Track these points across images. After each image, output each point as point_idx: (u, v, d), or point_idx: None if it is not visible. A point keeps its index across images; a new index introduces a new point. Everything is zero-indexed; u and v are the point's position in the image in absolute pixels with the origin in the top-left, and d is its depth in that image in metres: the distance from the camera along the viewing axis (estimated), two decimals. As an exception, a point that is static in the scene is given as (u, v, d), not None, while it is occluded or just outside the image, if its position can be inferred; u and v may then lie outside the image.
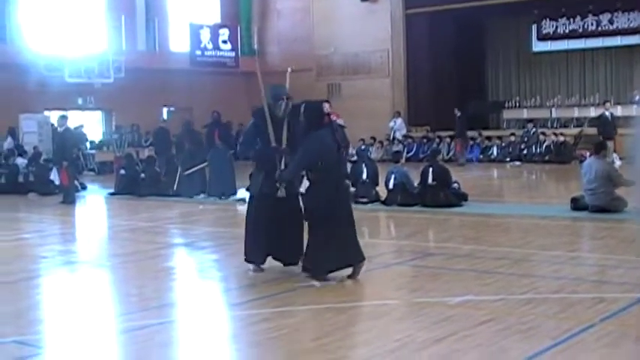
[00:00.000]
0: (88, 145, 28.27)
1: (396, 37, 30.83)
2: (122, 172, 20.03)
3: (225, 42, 31.85)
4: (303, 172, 8.77)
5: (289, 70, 10.12)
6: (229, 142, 18.69)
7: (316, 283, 8.21)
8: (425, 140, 28.94)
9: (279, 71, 34.01)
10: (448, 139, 28.42)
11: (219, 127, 18.44)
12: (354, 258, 8.41)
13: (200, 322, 7.30)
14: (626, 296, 7.44)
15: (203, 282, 9.38)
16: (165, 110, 31.66)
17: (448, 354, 5.87)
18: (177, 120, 29.85)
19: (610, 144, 22.44)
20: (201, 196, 17.95)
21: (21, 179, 21.21)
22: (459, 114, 26.36)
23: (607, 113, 23.59)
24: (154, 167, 19.54)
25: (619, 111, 27.41)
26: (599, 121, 23.86)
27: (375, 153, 27.61)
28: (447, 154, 27.03)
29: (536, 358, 5.70)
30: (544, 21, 30.43)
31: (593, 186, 13.07)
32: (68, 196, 18.06)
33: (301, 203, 8.80)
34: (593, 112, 28.53)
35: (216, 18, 33.24)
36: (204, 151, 18.26)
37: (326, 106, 8.78)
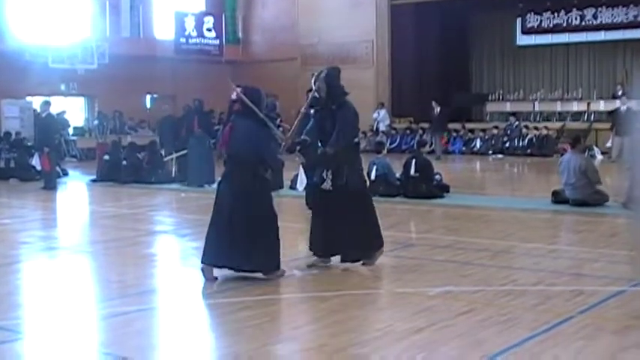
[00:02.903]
0: (70, 131, 28.13)
1: (381, 28, 30.81)
2: (106, 157, 19.99)
3: (209, 30, 31.74)
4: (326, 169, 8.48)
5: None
6: (209, 131, 18.69)
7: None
8: (408, 132, 28.99)
9: (263, 60, 33.96)
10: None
11: (200, 115, 18.39)
12: (218, 260, 8.00)
13: (180, 309, 7.30)
14: (604, 289, 7.49)
15: (184, 269, 9.36)
16: (148, 97, 31.58)
17: (427, 344, 5.90)
18: (159, 107, 29.83)
19: (621, 140, 21.45)
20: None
21: (2, 165, 21.09)
22: (438, 108, 25.87)
23: (623, 108, 22.19)
24: (136, 154, 19.51)
25: (602, 106, 27.59)
26: (613, 116, 22.84)
27: (358, 143, 27.56)
28: (430, 146, 27.05)
29: (515, 349, 5.74)
30: (528, 15, 30.52)
31: (573, 180, 13.14)
32: (49, 182, 18.00)
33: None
34: (576, 107, 28.66)
35: (201, 6, 33.12)
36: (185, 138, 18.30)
37: (233, 93, 8.17)
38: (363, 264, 8.59)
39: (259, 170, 8.02)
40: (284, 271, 8.14)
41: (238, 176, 7.95)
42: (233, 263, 7.94)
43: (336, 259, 8.59)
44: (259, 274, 7.98)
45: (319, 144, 8.56)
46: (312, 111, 8.80)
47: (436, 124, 26.36)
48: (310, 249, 8.67)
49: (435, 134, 26.45)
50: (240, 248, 7.84)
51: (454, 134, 28.35)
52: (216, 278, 7.94)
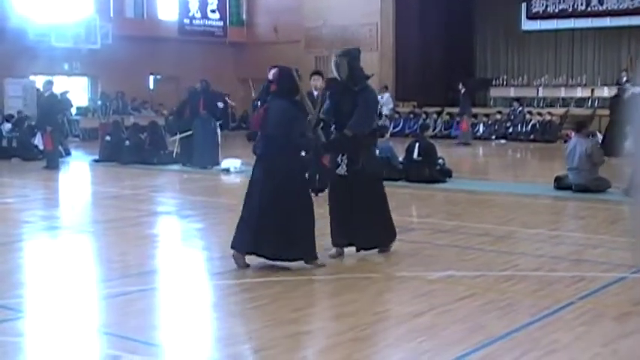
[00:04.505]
0: (73, 111, 28.11)
1: (386, 10, 30.68)
2: (107, 138, 19.99)
3: (213, 11, 31.68)
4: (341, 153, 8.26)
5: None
6: (214, 112, 18.65)
7: None
8: (411, 116, 28.92)
9: (267, 42, 33.71)
10: (435, 115, 28.45)
11: (205, 96, 18.37)
12: (252, 247, 7.71)
13: (181, 290, 7.32)
14: (605, 275, 7.50)
15: (185, 250, 9.38)
16: (151, 78, 31.54)
17: (427, 328, 5.90)
18: (163, 88, 29.84)
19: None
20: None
21: (4, 144, 21.09)
22: (463, 90, 25.12)
23: (627, 94, 21.52)
24: (139, 135, 19.51)
25: (605, 92, 27.50)
26: (612, 102, 22.44)
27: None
28: (434, 130, 27.11)
29: (514, 334, 5.74)
30: (534, 0, 30.42)
31: (577, 164, 13.13)
32: (52, 162, 18.00)
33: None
34: (580, 93, 28.59)
35: (205, -13, 33.04)
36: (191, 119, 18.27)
37: (270, 72, 7.96)
38: (378, 251, 8.46)
39: (293, 152, 7.83)
40: (324, 264, 7.87)
41: (273, 158, 7.70)
42: (264, 251, 7.68)
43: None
44: (290, 264, 7.74)
45: (333, 127, 8.34)
46: (327, 92, 8.64)
47: (461, 106, 25.56)
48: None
49: (460, 117, 25.82)
50: (272, 235, 7.58)
51: (457, 119, 28.28)
52: (248, 265, 7.71)
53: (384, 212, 8.45)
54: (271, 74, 7.86)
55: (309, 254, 7.78)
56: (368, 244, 8.36)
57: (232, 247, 7.76)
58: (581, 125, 13.98)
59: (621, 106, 20.26)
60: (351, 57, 8.34)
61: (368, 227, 8.24)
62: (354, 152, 8.19)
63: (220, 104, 20.54)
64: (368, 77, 8.50)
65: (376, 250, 8.44)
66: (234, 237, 7.78)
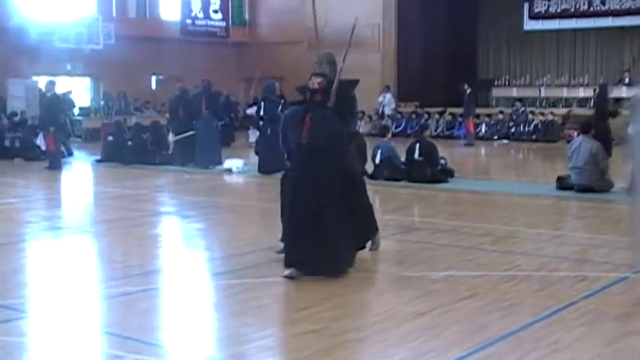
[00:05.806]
0: (75, 111, 28.11)
1: (388, 11, 30.69)
2: (110, 138, 20.00)
3: (216, 12, 31.71)
4: None
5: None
6: (217, 112, 18.64)
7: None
8: (414, 116, 28.93)
9: (269, 42, 33.63)
10: (437, 116, 28.45)
11: (207, 95, 18.38)
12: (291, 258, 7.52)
13: (183, 290, 7.32)
14: (607, 275, 7.50)
15: (187, 250, 9.39)
16: (153, 78, 31.54)
17: (429, 328, 5.90)
18: (165, 88, 29.81)
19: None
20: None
21: (7, 144, 21.11)
22: (468, 90, 24.83)
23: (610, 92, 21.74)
24: (141, 135, 19.51)
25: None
26: (597, 100, 22.24)
27: (363, 127, 27.52)
28: (436, 130, 27.13)
29: (516, 334, 5.74)
30: (536, 0, 30.42)
31: (581, 164, 13.11)
32: (54, 162, 18.02)
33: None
34: (582, 93, 28.58)
35: (207, -13, 33.05)
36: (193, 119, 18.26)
37: (313, 81, 7.83)
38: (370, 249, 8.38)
39: (333, 163, 7.60)
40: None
41: (313, 169, 7.48)
42: (300, 265, 7.41)
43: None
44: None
45: None
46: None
47: (465, 106, 25.34)
48: None
49: (464, 119, 25.74)
50: (308, 249, 7.40)
51: (459, 119, 28.28)
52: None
53: (368, 209, 8.33)
54: (317, 83, 7.65)
55: (343, 265, 7.57)
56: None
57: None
58: (587, 126, 13.97)
59: (605, 105, 20.31)
60: (332, 63, 8.24)
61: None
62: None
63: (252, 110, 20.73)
64: (356, 83, 8.47)
65: (366, 249, 8.29)
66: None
